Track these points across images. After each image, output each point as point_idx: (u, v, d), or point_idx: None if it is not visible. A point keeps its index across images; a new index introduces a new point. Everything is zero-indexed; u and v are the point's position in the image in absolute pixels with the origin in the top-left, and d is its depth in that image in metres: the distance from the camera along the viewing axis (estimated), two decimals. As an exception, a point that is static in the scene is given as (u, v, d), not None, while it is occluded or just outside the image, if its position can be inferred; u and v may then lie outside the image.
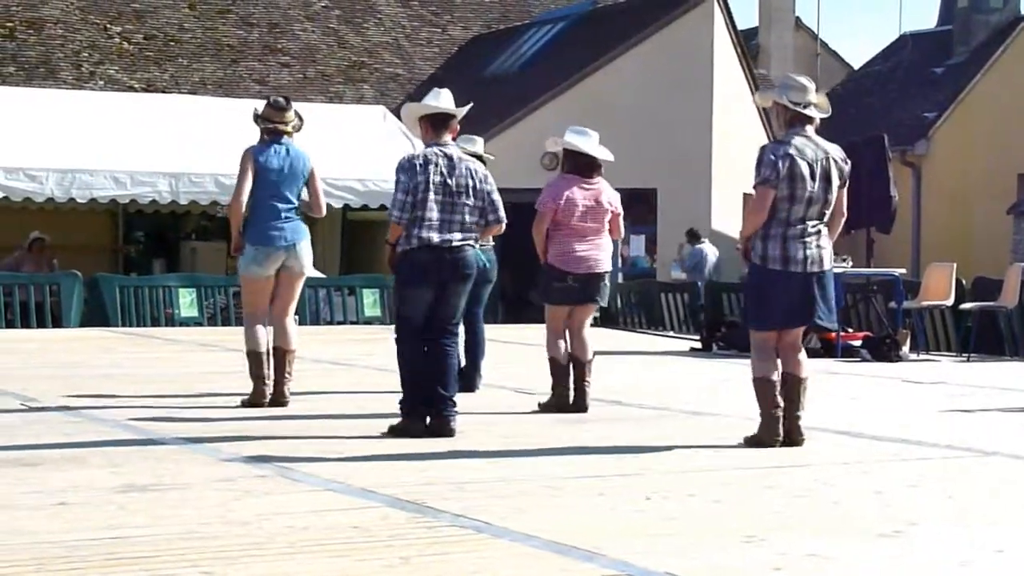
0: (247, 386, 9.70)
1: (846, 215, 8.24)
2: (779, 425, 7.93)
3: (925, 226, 29.25)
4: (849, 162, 8.20)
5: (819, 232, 8.04)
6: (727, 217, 25.01)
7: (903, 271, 17.98)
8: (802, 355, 8.13)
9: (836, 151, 8.14)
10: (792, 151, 7.94)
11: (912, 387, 12.55)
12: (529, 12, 32.46)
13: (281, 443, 7.88)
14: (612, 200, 9.83)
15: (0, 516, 5.67)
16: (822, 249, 8.03)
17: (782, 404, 7.93)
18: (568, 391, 9.68)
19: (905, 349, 15.74)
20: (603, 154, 9.82)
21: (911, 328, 16.59)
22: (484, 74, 28.82)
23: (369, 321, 20.08)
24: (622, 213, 9.95)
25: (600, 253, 9.78)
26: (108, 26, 27.65)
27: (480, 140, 11.16)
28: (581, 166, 9.76)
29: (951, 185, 29.25)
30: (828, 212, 8.08)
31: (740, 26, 27.21)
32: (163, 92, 25.71)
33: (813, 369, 8.44)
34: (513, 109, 25.21)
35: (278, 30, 29.28)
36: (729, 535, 5.57)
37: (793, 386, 8.01)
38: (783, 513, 6.10)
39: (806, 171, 7.92)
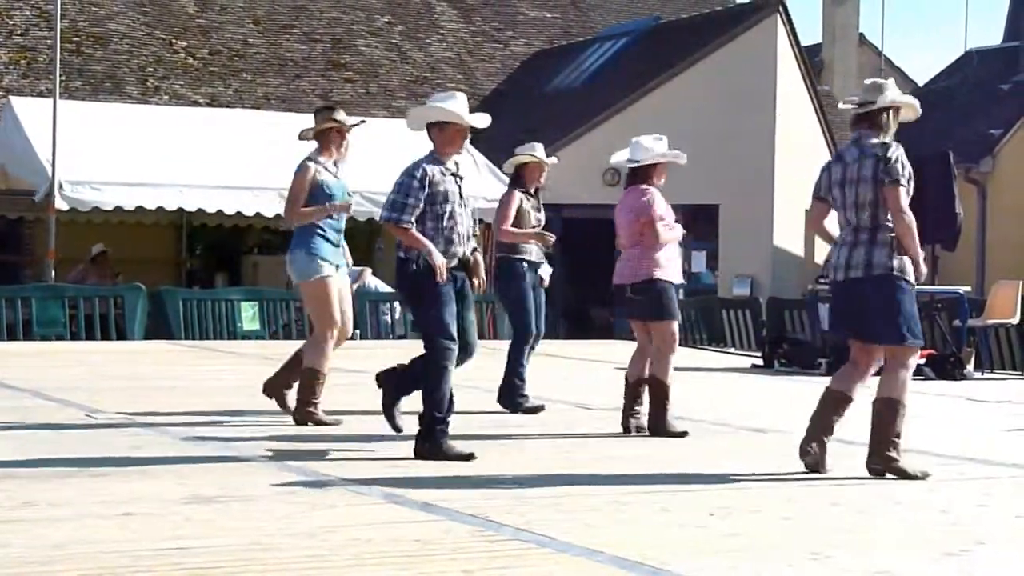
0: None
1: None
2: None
3: (990, 244, 28.98)
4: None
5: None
6: (789, 233, 24.89)
7: (968, 289, 17.82)
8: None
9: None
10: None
11: (977, 406, 12.44)
12: (592, 28, 32.45)
13: (343, 456, 7.91)
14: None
15: (67, 525, 5.72)
16: None
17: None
18: None
19: (969, 367, 15.62)
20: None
21: (975, 346, 16.45)
22: (546, 89, 28.83)
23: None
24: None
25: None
26: (173, 41, 27.90)
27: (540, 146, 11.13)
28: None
29: (1016, 202, 28.94)
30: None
31: (804, 42, 27.10)
32: (227, 107, 25.89)
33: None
34: (575, 124, 25.19)
35: (341, 45, 29.43)
36: (794, 552, 5.54)
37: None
38: (848, 530, 6.05)
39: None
